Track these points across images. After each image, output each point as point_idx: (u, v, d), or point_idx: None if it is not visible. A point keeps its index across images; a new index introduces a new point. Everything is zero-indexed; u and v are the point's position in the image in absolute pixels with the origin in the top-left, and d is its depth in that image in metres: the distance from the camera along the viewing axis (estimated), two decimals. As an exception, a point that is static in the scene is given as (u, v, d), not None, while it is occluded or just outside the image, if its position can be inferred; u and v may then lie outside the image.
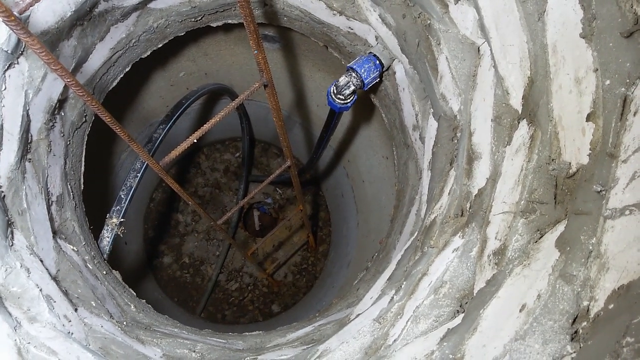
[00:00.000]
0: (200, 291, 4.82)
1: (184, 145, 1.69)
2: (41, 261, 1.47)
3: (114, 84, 2.21)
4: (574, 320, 0.89)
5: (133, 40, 2.09)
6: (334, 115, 2.27)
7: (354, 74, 1.96)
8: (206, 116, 4.13)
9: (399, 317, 1.35)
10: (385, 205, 3.18)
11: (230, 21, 2.38)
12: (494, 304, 1.06)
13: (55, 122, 1.74)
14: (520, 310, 0.97)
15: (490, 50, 1.34)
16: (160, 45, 2.32)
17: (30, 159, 1.58)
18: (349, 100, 2.03)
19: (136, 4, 1.92)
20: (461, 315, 1.17)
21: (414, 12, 1.66)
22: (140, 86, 3.40)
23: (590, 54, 0.98)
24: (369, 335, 1.39)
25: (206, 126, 1.70)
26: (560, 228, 1.01)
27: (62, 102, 1.77)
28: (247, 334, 2.00)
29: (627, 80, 0.90)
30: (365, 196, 3.79)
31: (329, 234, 5.01)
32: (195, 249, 4.94)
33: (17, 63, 1.43)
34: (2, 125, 1.37)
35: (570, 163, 1.03)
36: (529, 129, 1.18)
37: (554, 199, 1.06)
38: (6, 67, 1.38)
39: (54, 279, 1.51)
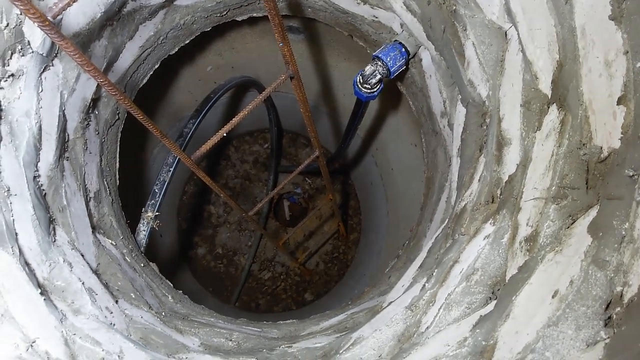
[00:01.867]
0: (234, 281, 4.90)
1: (214, 139, 1.73)
2: (82, 255, 1.53)
3: (144, 81, 2.26)
4: (607, 306, 0.88)
5: (161, 38, 2.13)
6: (360, 104, 2.27)
7: (379, 63, 1.96)
8: (234, 109, 4.18)
9: (431, 304, 1.36)
10: (414, 193, 3.17)
11: (255, 14, 2.39)
12: (526, 290, 1.06)
13: (90, 121, 1.80)
14: (553, 297, 0.97)
15: (518, 34, 1.32)
16: (187, 42, 2.35)
17: (67, 158, 1.63)
18: (375, 89, 2.03)
19: (163, 2, 1.95)
20: (493, 302, 1.17)
21: (439, -2, 1.64)
22: (170, 82, 3.46)
23: (620, 35, 0.96)
24: (401, 322, 1.41)
25: (235, 120, 1.72)
26: (593, 213, 1.00)
27: (95, 101, 1.82)
28: (282, 322, 2.04)
29: (659, 62, 0.88)
30: (394, 184, 3.78)
31: (359, 222, 5.02)
32: (228, 240, 5.02)
33: (52, 65, 1.48)
34: (40, 126, 1.42)
35: (601, 147, 1.01)
36: (559, 113, 1.16)
37: (586, 184, 1.05)
38: (42, 69, 1.42)
39: (95, 272, 1.56)
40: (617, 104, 0.97)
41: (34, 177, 1.38)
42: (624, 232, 0.89)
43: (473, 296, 1.23)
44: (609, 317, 0.87)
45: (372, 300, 1.96)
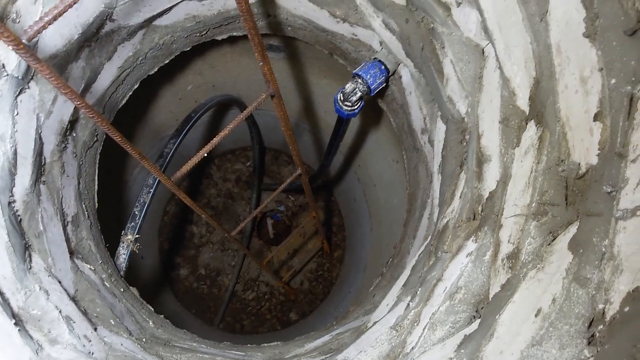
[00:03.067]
0: (217, 302, 4.84)
1: (195, 159, 1.71)
2: (59, 282, 1.49)
3: (124, 101, 2.24)
4: (590, 324, 0.88)
5: (140, 58, 2.12)
6: (342, 122, 2.27)
7: (360, 80, 1.97)
8: (216, 127, 4.16)
9: (415, 324, 1.34)
10: (397, 209, 3.17)
11: (235, 34, 2.40)
12: (509, 308, 1.06)
13: (67, 143, 1.77)
14: (536, 315, 0.97)
15: (495, 51, 1.34)
16: (167, 61, 2.34)
17: (44, 181, 1.60)
18: (356, 107, 2.04)
19: (141, 23, 1.94)
20: (477, 321, 1.17)
21: (416, 17, 1.66)
22: (150, 101, 3.43)
23: (595, 53, 0.97)
24: (386, 343, 1.39)
25: (215, 140, 1.71)
26: (573, 230, 1.00)
27: (73, 122, 1.79)
28: (266, 345, 2.01)
29: (633, 79, 0.89)
30: (377, 200, 3.78)
31: (344, 239, 5.01)
32: (210, 260, 4.96)
33: (28, 87, 1.45)
34: (15, 150, 1.39)
35: (579, 164, 1.02)
36: (537, 129, 1.17)
37: (565, 200, 1.05)
38: (17, 92, 1.40)
39: (73, 299, 1.52)
40: (593, 120, 0.98)
41: (9, 203, 1.35)
42: (604, 249, 0.89)
43: (457, 315, 1.22)
44: (592, 335, 0.87)
45: (356, 320, 1.94)
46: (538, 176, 1.12)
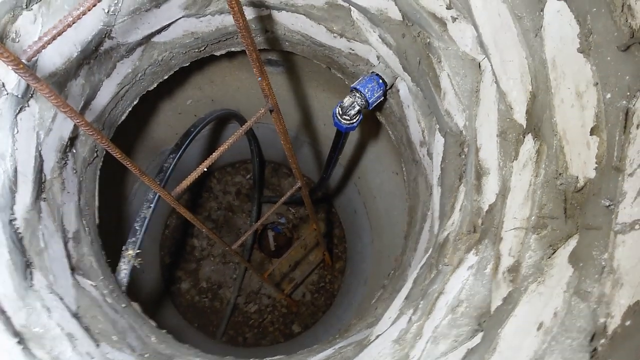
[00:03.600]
0: (219, 315, 4.82)
1: (195, 174, 1.72)
2: (61, 299, 1.49)
3: (123, 117, 2.25)
4: (592, 338, 0.88)
5: (139, 74, 2.13)
6: (340, 135, 2.28)
7: (358, 94, 1.98)
8: (216, 141, 4.17)
9: (418, 338, 1.34)
10: (398, 221, 3.18)
11: (233, 49, 2.42)
12: (511, 322, 1.06)
13: (67, 160, 1.78)
14: (538, 329, 0.97)
15: (491, 66, 1.35)
16: (166, 77, 2.36)
17: (45, 198, 1.60)
18: (354, 120, 2.05)
19: (140, 39, 1.96)
20: (480, 335, 1.16)
21: (412, 32, 1.67)
22: (149, 117, 3.45)
23: (589, 68, 0.98)
24: (389, 357, 1.39)
25: (215, 154, 1.72)
26: (572, 243, 1.00)
27: (73, 139, 1.80)
28: (268, 359, 2.00)
29: (628, 93, 0.90)
30: (377, 212, 3.79)
31: (345, 250, 5.00)
32: (212, 273, 4.95)
33: (28, 106, 1.46)
34: (16, 168, 1.40)
35: (577, 177, 1.03)
36: (534, 143, 1.18)
37: (564, 213, 1.06)
38: (17, 111, 1.41)
39: (75, 315, 1.52)
40: (590, 134, 0.99)
41: (10, 221, 1.35)
42: (603, 263, 0.89)
43: (459, 329, 1.22)
44: (594, 349, 0.87)
45: (359, 333, 1.94)
46: (537, 189, 1.13)
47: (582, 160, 1.01)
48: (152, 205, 2.27)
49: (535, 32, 1.14)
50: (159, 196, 2.22)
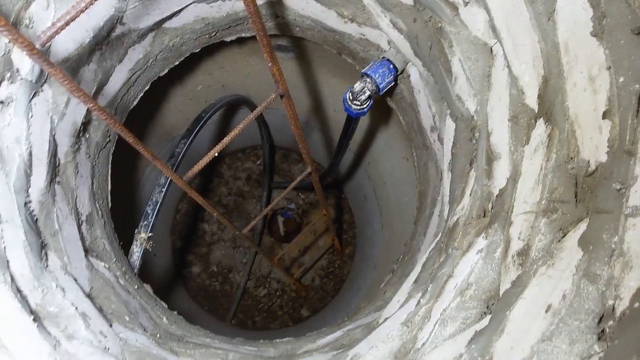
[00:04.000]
0: (229, 299, 4.87)
1: (206, 159, 1.73)
2: (75, 280, 1.52)
3: (135, 103, 2.27)
4: (600, 320, 0.89)
5: (150, 60, 2.14)
6: (351, 120, 2.28)
7: (368, 80, 1.98)
8: (226, 127, 4.19)
9: (426, 320, 1.36)
10: (408, 207, 3.18)
11: (243, 35, 2.41)
12: (519, 305, 1.06)
13: (80, 145, 1.80)
14: (546, 311, 0.98)
15: (503, 50, 1.34)
16: (177, 63, 2.36)
17: (59, 182, 1.63)
18: (365, 106, 2.05)
19: (152, 25, 1.97)
20: (488, 317, 1.17)
21: (424, 16, 1.66)
22: (160, 102, 3.47)
23: (602, 51, 0.97)
24: (397, 339, 1.40)
25: (226, 139, 1.73)
26: (583, 227, 1.01)
27: (86, 124, 1.82)
28: (278, 340, 2.03)
29: (641, 77, 0.90)
30: (387, 198, 3.79)
31: (354, 236, 5.02)
32: (222, 257, 5.00)
33: (42, 91, 1.48)
34: (31, 152, 1.42)
35: (588, 161, 1.03)
36: (546, 127, 1.18)
37: (575, 197, 1.06)
38: (32, 96, 1.42)
39: (88, 296, 1.55)
40: (602, 118, 0.99)
41: (25, 203, 1.38)
42: (613, 246, 0.90)
43: (468, 311, 1.23)
44: (602, 331, 0.88)
45: (368, 316, 1.96)
46: (548, 173, 1.13)
47: (593, 144, 1.01)
48: (163, 189, 2.29)
49: (547, 16, 1.14)
50: (171, 180, 2.25)
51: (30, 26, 1.35)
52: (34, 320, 1.24)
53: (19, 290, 1.25)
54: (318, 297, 4.91)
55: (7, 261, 1.23)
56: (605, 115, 0.98)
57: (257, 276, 4.98)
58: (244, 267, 4.93)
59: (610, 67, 0.96)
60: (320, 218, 4.33)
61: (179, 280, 4.83)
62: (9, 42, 1.25)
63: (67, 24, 1.02)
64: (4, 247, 1.23)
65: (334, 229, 4.68)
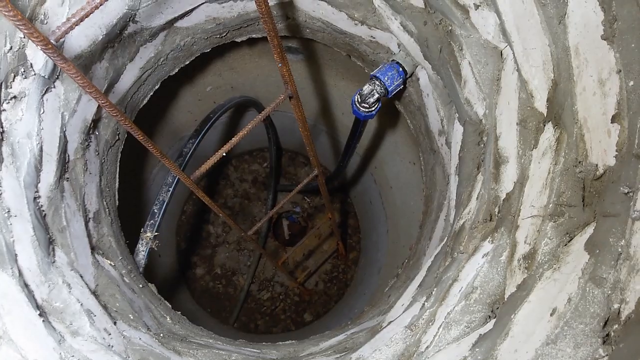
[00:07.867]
0: (232, 301, 4.87)
1: (213, 159, 1.74)
2: (81, 276, 1.53)
3: (145, 101, 2.28)
4: (605, 323, 0.88)
5: (161, 59, 2.16)
6: (359, 123, 2.28)
7: (377, 82, 1.98)
8: (234, 128, 4.20)
9: (430, 323, 1.35)
10: (414, 211, 3.17)
11: (254, 36, 2.43)
12: (525, 308, 1.06)
13: (90, 142, 1.81)
14: (551, 314, 0.97)
15: (513, 54, 1.34)
16: (187, 62, 2.38)
17: (68, 178, 1.64)
18: (373, 108, 2.05)
19: (163, 24, 1.98)
20: (492, 321, 1.17)
21: (434, 19, 1.67)
22: (169, 102, 3.48)
23: (613, 55, 0.97)
24: (401, 342, 1.40)
25: (234, 140, 1.74)
26: (589, 231, 1.00)
27: (96, 122, 1.83)
28: (281, 343, 2.03)
29: (652, 81, 0.89)
30: (393, 202, 3.78)
31: (359, 241, 5.01)
32: (226, 260, 5.00)
33: (54, 87, 1.49)
34: (41, 147, 1.43)
35: (597, 165, 1.02)
36: (554, 131, 1.18)
37: (582, 201, 1.06)
38: (44, 91, 1.44)
39: (94, 293, 1.56)
40: (611, 122, 0.99)
41: (34, 198, 1.39)
42: (620, 249, 0.89)
43: (472, 315, 1.23)
44: (607, 335, 0.87)
45: (371, 319, 1.95)
46: (555, 177, 1.13)
47: (602, 148, 1.01)
48: (170, 189, 2.30)
49: (558, 19, 1.14)
50: (178, 180, 2.26)
51: (45, 22, 1.37)
52: (40, 314, 1.24)
53: (26, 285, 1.26)
54: (321, 302, 4.90)
55: (15, 255, 1.24)
56: (614, 119, 0.97)
57: (260, 279, 4.98)
58: (248, 270, 4.93)
59: (620, 71, 0.96)
60: (325, 222, 4.33)
61: (182, 281, 4.84)
62: (24, 36, 1.27)
63: (81, 19, 1.03)
64: (13, 241, 1.24)
65: (339, 233, 4.68)
